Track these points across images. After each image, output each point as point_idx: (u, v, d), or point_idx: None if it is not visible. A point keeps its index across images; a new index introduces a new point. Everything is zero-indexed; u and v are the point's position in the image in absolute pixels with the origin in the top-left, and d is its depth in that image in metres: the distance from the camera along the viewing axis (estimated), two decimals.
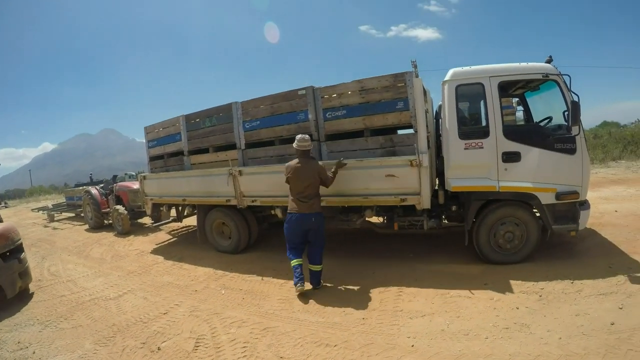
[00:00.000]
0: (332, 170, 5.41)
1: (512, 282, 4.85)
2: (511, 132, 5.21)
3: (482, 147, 5.20)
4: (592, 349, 3.35)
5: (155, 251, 8.49)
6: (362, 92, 5.51)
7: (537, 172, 5.11)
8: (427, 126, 5.37)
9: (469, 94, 5.47)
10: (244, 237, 7.20)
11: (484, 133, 5.22)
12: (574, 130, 4.89)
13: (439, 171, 5.93)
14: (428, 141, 5.36)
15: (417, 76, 5.27)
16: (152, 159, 8.80)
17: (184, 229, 10.47)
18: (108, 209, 11.65)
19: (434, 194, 5.70)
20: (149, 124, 8.75)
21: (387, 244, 6.98)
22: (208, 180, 7.13)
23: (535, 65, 5.24)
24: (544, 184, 5.10)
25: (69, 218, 15.02)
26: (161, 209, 8.96)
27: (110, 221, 11.43)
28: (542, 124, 5.76)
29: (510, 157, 5.14)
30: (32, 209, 18.17)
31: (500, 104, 5.22)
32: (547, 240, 5.48)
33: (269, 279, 5.86)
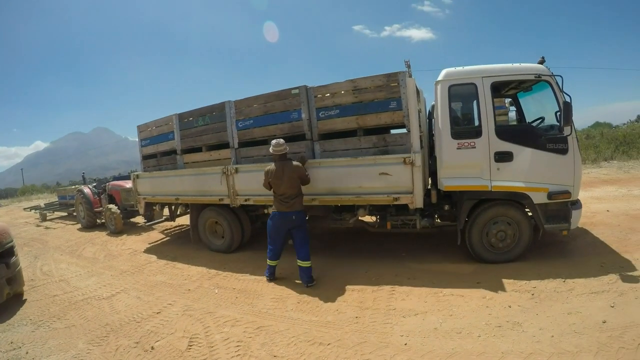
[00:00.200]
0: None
1: (504, 280, 4.88)
2: (503, 132, 5.24)
3: (475, 147, 5.23)
4: (584, 346, 3.38)
5: (148, 250, 8.45)
6: (355, 91, 5.52)
7: (529, 172, 5.15)
8: (420, 126, 5.40)
9: (461, 94, 5.49)
10: (237, 236, 7.19)
11: (477, 133, 5.24)
12: (566, 130, 4.93)
13: (431, 171, 5.95)
14: (421, 141, 5.39)
15: (410, 76, 5.30)
16: (145, 157, 8.76)
17: (177, 228, 10.43)
18: (101, 208, 11.58)
19: (427, 194, 5.72)
20: (142, 123, 8.72)
21: (380, 243, 7.01)
22: (201, 179, 7.12)
23: (528, 66, 5.27)
24: (536, 183, 5.14)
25: (61, 217, 14.90)
26: (154, 208, 8.94)
27: (103, 220, 11.37)
28: (534, 124, 5.80)
29: (503, 157, 5.17)
30: (24, 208, 18.01)
31: (493, 104, 5.25)
32: (539, 239, 5.53)
33: (262, 277, 5.84)
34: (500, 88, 5.97)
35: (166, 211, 9.01)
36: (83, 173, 15.85)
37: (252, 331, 4.30)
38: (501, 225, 5.37)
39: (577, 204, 5.28)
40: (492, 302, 4.40)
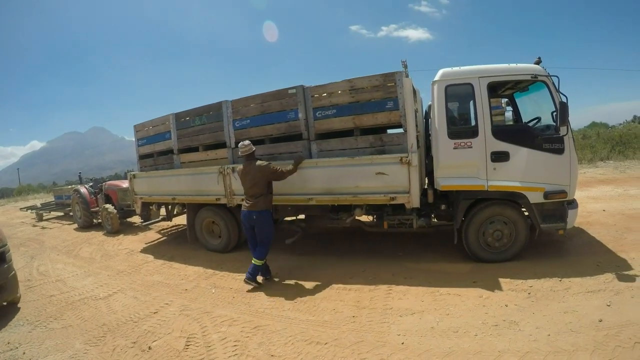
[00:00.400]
0: (292, 164, 5.74)
1: (501, 280, 4.89)
2: (500, 132, 5.27)
3: (471, 147, 5.25)
4: (581, 345, 3.39)
5: (145, 250, 8.43)
6: (352, 91, 5.53)
7: (525, 172, 5.17)
8: (416, 126, 5.42)
9: (458, 94, 5.50)
10: (233, 235, 7.18)
11: (473, 133, 5.26)
12: (562, 130, 4.96)
13: (428, 170, 5.98)
14: (417, 140, 5.40)
15: (407, 76, 5.31)
16: (142, 157, 8.74)
17: (174, 228, 10.41)
18: (97, 208, 11.55)
19: (424, 193, 5.74)
20: (139, 122, 8.70)
21: (376, 243, 7.02)
22: (198, 178, 7.12)
23: (524, 66, 5.29)
24: (532, 183, 5.16)
25: (57, 217, 14.85)
26: (151, 207, 8.92)
27: (100, 220, 11.33)
28: (530, 124, 5.82)
29: (499, 157, 5.19)
30: (20, 208, 17.92)
31: (490, 104, 5.28)
32: (535, 238, 5.54)
33: (259, 277, 5.83)
34: (496, 88, 6.00)
35: (163, 211, 8.99)
36: (79, 173, 15.80)
37: (249, 331, 4.30)
38: (498, 224, 5.39)
39: (573, 204, 5.30)
40: (489, 301, 4.41)
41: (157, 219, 9.48)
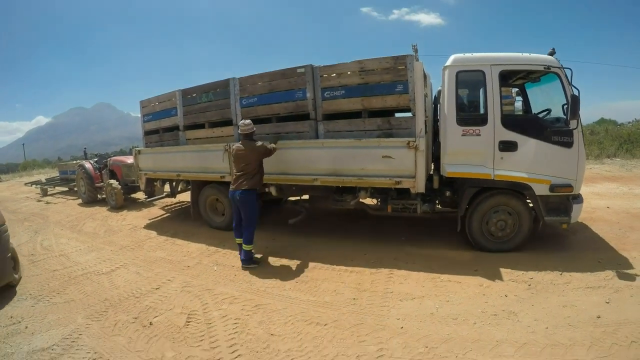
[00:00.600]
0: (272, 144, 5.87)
1: (502, 270, 4.89)
2: (509, 121, 5.22)
3: (480, 135, 5.20)
4: (578, 340, 3.40)
5: (148, 226, 8.47)
6: (362, 72, 5.46)
7: (532, 163, 5.13)
8: (425, 110, 5.36)
9: (469, 81, 5.43)
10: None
11: (482, 120, 5.21)
12: (572, 124, 4.90)
13: (435, 156, 5.94)
14: (425, 125, 5.35)
15: (417, 60, 5.24)
16: (147, 133, 8.73)
17: (178, 204, 10.44)
18: (101, 184, 11.56)
19: (429, 179, 5.72)
20: (145, 98, 8.65)
21: (379, 227, 7.03)
22: (203, 156, 7.11)
23: (538, 57, 5.22)
24: (538, 175, 5.12)
25: (62, 192, 14.87)
26: (155, 184, 8.94)
27: (104, 196, 11.37)
28: (540, 115, 5.76)
29: (507, 147, 5.15)
30: (25, 183, 17.97)
31: (500, 92, 5.21)
32: (538, 231, 5.53)
33: (261, 255, 5.88)
34: (508, 77, 5.92)
35: (167, 187, 9.02)
36: (85, 148, 15.79)
37: (250, 309, 4.33)
38: (502, 214, 5.37)
39: (578, 198, 5.27)
40: (489, 290, 4.42)
41: (161, 195, 9.50)
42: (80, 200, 12.33)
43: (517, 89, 6.80)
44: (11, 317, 4.59)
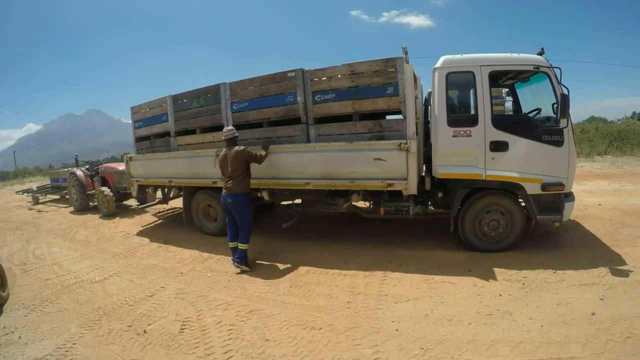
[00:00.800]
0: (263, 148, 5.91)
1: (495, 269, 4.90)
2: (500, 121, 5.24)
3: (470, 135, 5.22)
4: (573, 337, 3.41)
5: (140, 233, 8.42)
6: (352, 75, 5.47)
7: (524, 163, 5.15)
8: (416, 112, 5.39)
9: (459, 82, 5.45)
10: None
11: (473, 121, 5.23)
12: (562, 122, 4.93)
13: (426, 158, 5.95)
14: (416, 127, 5.37)
15: (407, 62, 5.26)
16: (139, 139, 8.69)
17: (170, 211, 10.40)
18: (93, 191, 11.48)
19: (421, 180, 5.74)
20: (136, 104, 8.62)
21: (372, 229, 7.02)
22: (195, 161, 7.09)
23: (527, 57, 5.25)
24: (530, 174, 5.14)
25: (53, 200, 14.76)
26: (147, 190, 8.88)
27: (96, 203, 11.30)
28: (530, 115, 5.79)
29: (498, 147, 5.17)
30: (16, 191, 17.81)
31: (490, 93, 5.24)
32: (531, 230, 5.54)
33: (255, 261, 5.85)
34: (498, 78, 5.98)
35: (159, 194, 8.97)
36: (76, 155, 15.68)
37: (244, 315, 4.31)
38: (494, 214, 5.39)
39: (570, 197, 5.30)
40: (483, 290, 4.43)
41: (153, 202, 9.47)
42: (72, 208, 12.24)
43: (507, 89, 6.84)
44: (4, 328, 4.54)
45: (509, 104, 6.95)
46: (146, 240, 7.78)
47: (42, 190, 15.60)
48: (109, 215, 10.40)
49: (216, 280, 5.38)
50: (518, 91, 6.55)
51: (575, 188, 6.23)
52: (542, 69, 5.08)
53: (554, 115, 5.12)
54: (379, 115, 5.60)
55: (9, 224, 11.09)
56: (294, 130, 6.00)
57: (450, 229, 5.62)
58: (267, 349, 3.66)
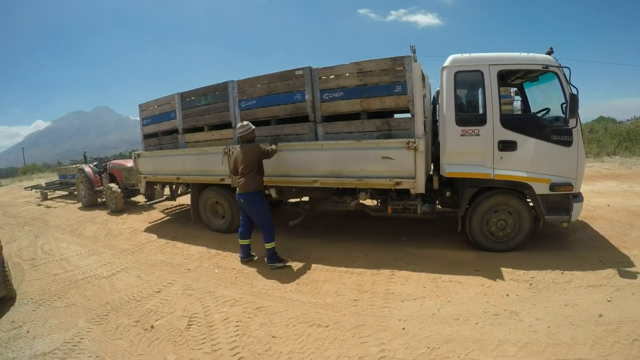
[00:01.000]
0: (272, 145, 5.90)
1: (503, 269, 4.88)
2: (508, 121, 5.21)
3: (479, 135, 5.20)
4: (580, 339, 3.39)
5: (148, 229, 8.47)
6: (360, 74, 5.47)
7: (532, 162, 5.12)
8: (424, 111, 5.37)
9: (467, 81, 5.43)
10: (237, 216, 7.16)
11: (481, 120, 5.21)
12: (571, 122, 4.89)
13: (434, 156, 5.94)
14: (425, 126, 5.36)
15: (415, 61, 5.25)
16: (147, 137, 8.75)
17: (178, 207, 10.46)
18: (101, 187, 11.57)
19: (429, 179, 5.72)
20: (144, 102, 8.67)
21: (380, 227, 7.01)
22: (203, 158, 7.12)
23: (536, 56, 5.21)
24: (538, 174, 5.11)
25: (62, 196, 14.89)
26: (155, 187, 8.95)
27: (104, 199, 11.39)
28: (539, 114, 5.76)
29: (506, 146, 5.14)
30: (25, 188, 17.97)
31: (499, 92, 5.20)
32: (539, 230, 5.52)
33: (262, 258, 5.86)
34: (506, 77, 5.95)
35: (167, 190, 9.04)
36: (84, 152, 15.81)
37: (251, 311, 4.33)
38: (502, 214, 5.37)
39: (578, 197, 5.26)
40: (490, 290, 4.41)
41: (161, 199, 9.52)
42: (80, 204, 12.36)
43: (515, 89, 6.80)
44: (13, 322, 4.58)
45: (517, 104, 6.92)
46: (154, 236, 7.83)
47: (51, 186, 15.73)
48: (117, 212, 10.49)
49: (223, 276, 5.40)
50: (527, 90, 6.51)
51: (584, 188, 6.19)
52: (551, 69, 5.04)
53: (563, 115, 5.08)
54: (387, 113, 5.59)
55: (17, 220, 11.20)
56: (302, 128, 6.01)
57: (458, 228, 5.61)
58: (274, 345, 3.67)
